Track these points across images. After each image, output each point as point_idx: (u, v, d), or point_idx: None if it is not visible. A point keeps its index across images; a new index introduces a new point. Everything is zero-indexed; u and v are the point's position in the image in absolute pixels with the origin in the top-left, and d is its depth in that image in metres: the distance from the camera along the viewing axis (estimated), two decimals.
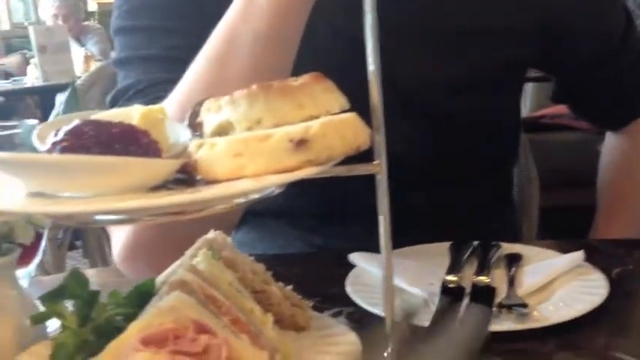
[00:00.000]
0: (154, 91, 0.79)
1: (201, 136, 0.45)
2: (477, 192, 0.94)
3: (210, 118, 0.44)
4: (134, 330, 0.41)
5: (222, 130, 0.44)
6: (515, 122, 1.03)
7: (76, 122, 0.39)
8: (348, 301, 0.64)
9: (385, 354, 0.47)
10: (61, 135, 0.38)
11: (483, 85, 0.88)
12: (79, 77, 3.23)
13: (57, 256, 1.43)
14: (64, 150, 0.37)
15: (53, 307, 0.46)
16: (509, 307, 0.60)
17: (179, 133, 0.46)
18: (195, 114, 0.46)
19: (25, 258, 0.58)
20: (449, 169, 0.90)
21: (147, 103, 0.47)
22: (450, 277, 0.66)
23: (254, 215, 0.90)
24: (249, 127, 0.42)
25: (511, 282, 0.66)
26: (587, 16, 0.91)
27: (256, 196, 0.41)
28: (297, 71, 0.48)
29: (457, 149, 0.89)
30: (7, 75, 4.74)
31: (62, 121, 0.42)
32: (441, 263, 0.71)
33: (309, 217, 0.89)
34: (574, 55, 0.93)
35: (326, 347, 0.48)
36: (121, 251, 0.72)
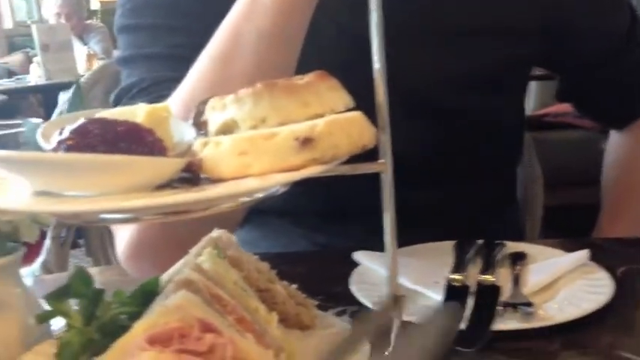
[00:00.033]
0: (158, 89, 0.79)
1: (205, 134, 0.45)
2: (481, 191, 0.93)
3: (214, 117, 0.44)
4: (140, 329, 0.41)
5: (227, 129, 0.44)
6: (519, 121, 1.03)
7: (81, 121, 0.39)
8: (352, 300, 0.64)
9: (386, 352, 0.47)
10: (66, 134, 0.38)
11: (485, 85, 0.88)
12: (82, 76, 3.24)
13: (60, 254, 1.43)
14: (69, 149, 0.37)
15: (58, 305, 0.46)
16: (514, 306, 0.60)
17: (183, 132, 0.46)
18: (199, 112, 0.46)
19: (29, 256, 0.58)
20: (452, 168, 0.89)
21: (150, 102, 0.47)
22: (455, 276, 0.66)
23: (257, 214, 0.90)
24: (254, 126, 0.42)
25: (516, 281, 0.66)
26: (588, 16, 0.90)
27: (261, 194, 0.41)
28: (301, 70, 0.48)
29: (460, 148, 0.89)
30: (10, 73, 4.74)
31: (67, 120, 0.42)
32: (445, 262, 0.70)
33: (313, 215, 0.89)
34: (576, 54, 0.93)
35: (332, 346, 0.48)
36: (125, 250, 0.72)
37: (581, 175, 1.72)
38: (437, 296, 0.62)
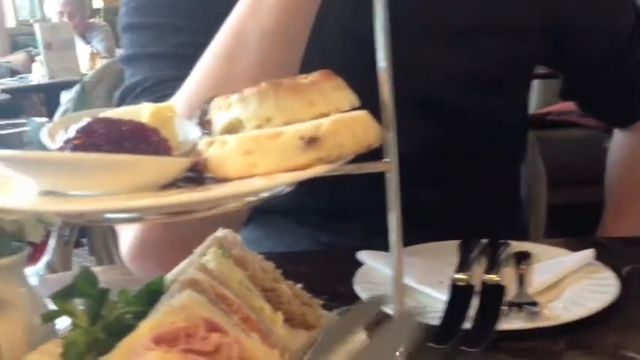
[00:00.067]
0: (162, 88, 0.79)
1: (210, 134, 0.45)
2: (484, 190, 0.93)
3: (219, 116, 0.44)
4: (145, 328, 0.41)
5: (232, 128, 0.43)
6: (522, 120, 1.02)
7: (86, 120, 0.39)
8: (356, 300, 0.64)
9: (397, 353, 0.47)
10: (72, 133, 0.38)
11: (486, 84, 0.87)
12: (85, 75, 3.24)
13: (63, 253, 1.44)
14: (75, 148, 0.37)
15: (63, 305, 0.46)
16: (519, 306, 0.60)
17: (188, 131, 0.45)
18: (204, 112, 0.46)
19: (34, 256, 0.58)
20: (454, 168, 0.89)
21: (154, 101, 0.47)
22: (460, 276, 0.65)
23: (261, 213, 0.90)
24: (259, 125, 0.42)
25: (520, 280, 0.66)
26: (588, 16, 0.90)
27: (267, 194, 0.41)
28: (305, 69, 0.48)
29: (462, 147, 0.89)
30: (12, 72, 4.75)
31: (72, 119, 0.42)
32: (449, 261, 0.70)
33: (317, 215, 0.89)
34: (578, 54, 0.93)
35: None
36: (129, 250, 0.72)
37: (584, 173, 1.72)
38: (442, 296, 0.62)
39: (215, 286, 0.45)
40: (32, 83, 4.08)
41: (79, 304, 0.47)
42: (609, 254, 0.72)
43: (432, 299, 0.63)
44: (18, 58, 5.28)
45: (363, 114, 0.42)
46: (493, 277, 0.65)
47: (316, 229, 0.91)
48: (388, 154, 0.44)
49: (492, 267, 0.68)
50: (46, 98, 4.26)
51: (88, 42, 4.60)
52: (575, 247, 0.73)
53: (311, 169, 0.39)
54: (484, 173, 0.93)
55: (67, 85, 3.32)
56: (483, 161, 0.91)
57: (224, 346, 0.40)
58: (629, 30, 0.93)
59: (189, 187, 0.40)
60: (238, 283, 0.48)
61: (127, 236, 0.73)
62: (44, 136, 0.43)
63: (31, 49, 5.12)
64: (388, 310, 0.59)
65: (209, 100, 0.46)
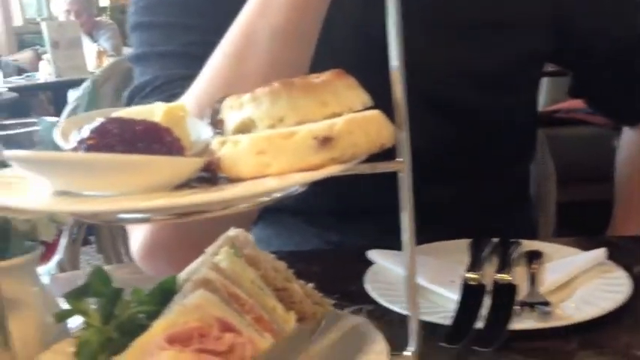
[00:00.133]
0: (171, 87, 0.79)
1: (222, 133, 0.45)
2: (495, 188, 0.93)
3: (231, 116, 0.44)
4: (159, 328, 0.41)
5: (244, 128, 0.43)
6: (532, 118, 1.02)
7: (100, 120, 0.39)
8: (367, 299, 0.64)
9: (409, 353, 0.47)
10: (85, 133, 0.38)
11: (498, 82, 0.87)
12: (92, 73, 3.25)
13: (71, 252, 1.44)
14: (89, 148, 0.37)
15: (77, 304, 0.46)
16: (532, 305, 0.59)
17: (200, 131, 0.46)
18: (216, 111, 0.46)
19: (46, 255, 0.58)
20: (466, 166, 0.89)
21: (164, 100, 0.47)
22: (471, 275, 0.65)
23: (271, 212, 0.90)
24: (272, 125, 0.42)
25: (532, 280, 0.66)
26: (588, 16, 0.90)
27: (280, 194, 0.41)
28: (315, 69, 0.48)
29: (475, 146, 0.89)
30: (20, 71, 4.77)
31: (84, 119, 0.42)
32: (460, 260, 0.70)
33: (327, 214, 0.89)
34: (582, 54, 0.92)
35: (351, 346, 0.48)
36: (139, 250, 0.73)
37: (593, 171, 1.71)
38: (453, 295, 0.62)
39: (228, 285, 0.45)
40: (39, 81, 4.10)
41: (91, 303, 0.47)
42: (620, 253, 0.71)
43: (443, 299, 0.63)
44: (25, 56, 5.30)
45: (376, 113, 0.42)
46: (505, 277, 0.65)
47: (326, 229, 0.90)
48: (401, 154, 0.44)
49: (504, 266, 0.68)
50: (54, 96, 4.28)
51: (94, 40, 4.61)
52: (586, 246, 0.73)
53: (324, 169, 0.39)
54: (495, 172, 0.92)
55: (75, 84, 3.32)
56: (494, 160, 0.91)
57: (237, 346, 0.40)
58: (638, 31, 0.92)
59: (203, 188, 0.40)
60: (250, 282, 0.48)
61: (138, 236, 0.73)
62: (57, 136, 0.44)
63: (38, 47, 5.14)
64: (401, 309, 0.59)
65: (221, 100, 0.46)
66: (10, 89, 3.76)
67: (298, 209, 0.89)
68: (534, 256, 0.71)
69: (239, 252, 0.50)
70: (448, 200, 0.85)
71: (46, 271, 0.61)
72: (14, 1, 6.85)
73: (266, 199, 0.40)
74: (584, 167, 2.11)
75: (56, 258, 0.62)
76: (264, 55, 0.68)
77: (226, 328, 0.41)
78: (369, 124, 0.41)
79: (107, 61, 3.60)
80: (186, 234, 0.68)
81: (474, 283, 0.64)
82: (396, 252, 0.69)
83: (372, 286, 0.65)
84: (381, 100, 0.43)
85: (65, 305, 0.48)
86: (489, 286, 0.64)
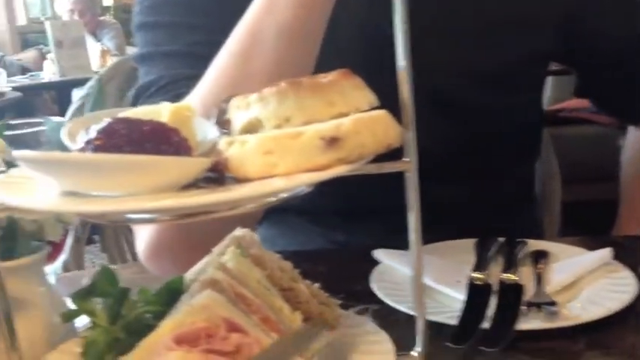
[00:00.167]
0: (176, 87, 0.79)
1: (229, 133, 0.45)
2: (501, 188, 0.93)
3: (238, 116, 0.44)
4: (166, 328, 0.41)
5: (251, 128, 0.43)
6: (538, 117, 1.02)
7: (107, 121, 0.39)
8: (372, 299, 0.64)
9: (415, 353, 0.47)
10: (93, 134, 0.38)
11: (506, 82, 0.87)
12: (96, 72, 3.25)
13: (76, 251, 1.44)
14: (96, 149, 0.37)
15: (83, 304, 0.46)
16: (538, 306, 0.59)
17: (206, 131, 0.45)
18: (222, 111, 0.46)
19: (52, 255, 0.58)
20: (473, 166, 0.89)
21: (169, 100, 0.47)
22: (477, 275, 0.65)
23: (275, 211, 0.90)
24: (279, 125, 0.42)
25: (538, 280, 0.66)
26: (600, 16, 0.90)
27: (286, 194, 0.40)
28: (321, 69, 0.48)
29: (481, 146, 0.88)
30: (24, 70, 4.77)
31: (91, 119, 0.42)
32: (466, 260, 0.70)
33: (332, 214, 0.89)
34: (590, 53, 0.92)
35: (358, 346, 0.48)
36: (145, 250, 0.73)
37: (597, 170, 1.71)
38: (460, 295, 0.62)
39: (235, 285, 0.45)
40: (43, 81, 4.10)
41: (97, 302, 0.47)
42: (626, 253, 0.71)
43: (449, 298, 0.63)
44: (29, 55, 5.30)
45: (383, 114, 0.42)
46: (511, 277, 0.65)
47: (331, 228, 0.90)
48: (407, 154, 0.44)
49: (510, 266, 0.68)
50: (58, 96, 4.28)
51: (98, 40, 4.62)
52: (591, 246, 0.73)
53: (331, 169, 0.39)
54: (501, 171, 0.92)
55: (79, 83, 3.32)
56: (500, 159, 0.91)
57: (245, 346, 0.40)
58: None
59: (210, 188, 0.40)
60: (257, 282, 0.48)
61: (143, 236, 0.73)
62: (64, 136, 0.44)
63: (42, 46, 5.15)
64: (407, 309, 0.59)
65: (227, 100, 0.46)
66: (14, 88, 3.76)
67: (303, 209, 0.89)
68: (540, 256, 0.71)
69: (245, 252, 0.50)
70: (454, 200, 0.85)
71: (52, 271, 0.62)
72: (18, 1, 6.86)
73: (273, 199, 0.40)
74: (588, 166, 2.11)
75: (62, 257, 0.62)
76: (270, 53, 0.68)
77: (233, 328, 0.41)
78: (376, 125, 0.41)
79: (111, 61, 3.61)
80: (192, 234, 0.68)
81: (480, 282, 0.64)
82: (402, 252, 0.69)
83: (378, 286, 0.65)
84: (387, 99, 0.43)
85: (72, 305, 0.48)
86: (495, 286, 0.63)
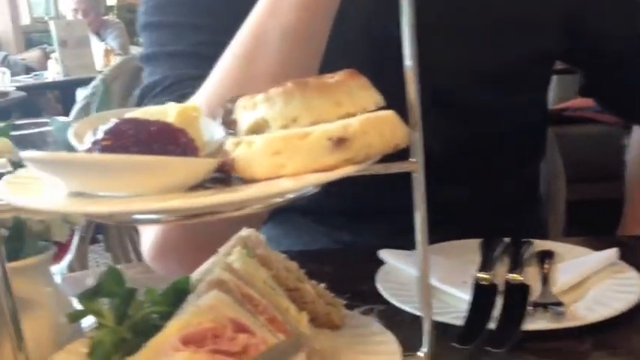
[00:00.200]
0: (181, 87, 0.79)
1: (235, 133, 0.45)
2: (506, 188, 0.93)
3: (245, 116, 0.44)
4: (173, 329, 0.41)
5: (258, 128, 0.43)
6: (543, 117, 1.02)
7: (115, 121, 0.39)
8: (378, 299, 0.64)
9: (422, 354, 0.47)
10: (100, 134, 0.38)
11: (511, 82, 0.87)
12: (100, 72, 3.25)
13: (80, 250, 1.45)
14: (104, 149, 0.37)
15: (90, 305, 0.46)
16: (545, 306, 0.59)
17: (212, 131, 0.45)
18: (228, 111, 0.46)
19: (58, 255, 0.58)
20: (478, 166, 0.89)
21: (174, 100, 0.47)
22: (483, 275, 0.65)
23: (280, 211, 0.90)
24: (285, 125, 0.42)
25: (544, 280, 0.65)
26: (600, 16, 0.90)
27: (293, 195, 0.40)
28: (327, 68, 0.48)
29: (487, 146, 0.88)
30: (28, 69, 4.78)
31: (98, 119, 0.42)
32: (472, 260, 0.70)
33: (338, 214, 0.88)
34: (593, 54, 0.92)
35: (364, 347, 0.48)
36: (150, 250, 0.73)
37: (602, 170, 1.70)
38: (466, 296, 0.61)
39: (241, 286, 0.45)
40: (47, 80, 4.11)
41: (104, 303, 0.47)
42: (631, 253, 0.71)
43: (455, 299, 0.62)
44: (33, 55, 5.31)
45: (390, 114, 0.42)
46: (517, 277, 0.65)
47: (336, 228, 0.90)
48: (414, 154, 0.44)
49: (516, 266, 0.68)
50: (62, 95, 4.29)
51: (102, 39, 4.63)
52: (597, 246, 0.73)
53: (339, 169, 0.39)
54: (506, 171, 0.92)
55: (82, 83, 3.33)
56: (506, 159, 0.91)
57: (251, 346, 0.40)
58: None
59: (217, 188, 0.40)
60: (263, 283, 0.48)
61: (149, 236, 0.73)
62: (71, 137, 0.44)
63: (45, 46, 5.16)
64: (412, 309, 0.59)
65: (232, 100, 0.46)
66: (18, 88, 3.77)
67: (308, 209, 0.89)
68: (546, 256, 0.71)
69: (252, 252, 0.50)
70: (459, 200, 0.85)
71: (58, 271, 0.62)
72: (22, 0, 6.87)
73: (280, 200, 0.40)
74: (593, 166, 2.10)
75: (68, 258, 0.62)
76: (275, 55, 0.68)
77: (240, 328, 0.41)
78: (383, 125, 0.41)
79: (114, 60, 3.61)
80: (197, 234, 0.68)
81: (485, 283, 0.64)
82: (407, 252, 0.69)
83: (383, 286, 0.65)
84: (393, 99, 0.43)
85: (78, 305, 0.48)
86: (501, 287, 0.63)
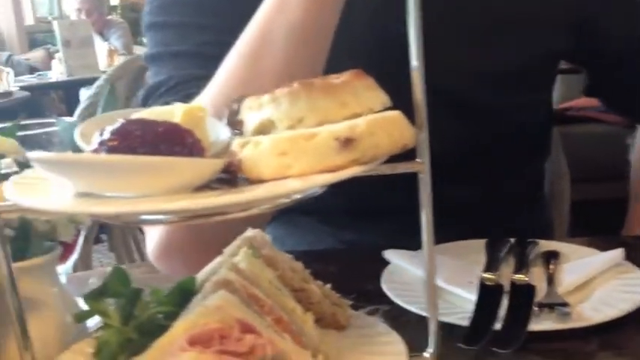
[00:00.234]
0: (186, 87, 0.79)
1: (240, 134, 0.44)
2: (511, 188, 0.93)
3: (251, 117, 0.44)
4: (180, 329, 0.41)
5: (264, 129, 0.43)
6: (548, 116, 1.02)
7: (121, 122, 0.39)
8: (383, 299, 0.64)
9: (428, 354, 0.47)
10: (107, 135, 0.38)
11: (515, 81, 0.87)
12: (103, 72, 3.26)
13: (84, 250, 1.45)
14: (111, 150, 0.37)
15: (96, 305, 0.46)
16: (551, 307, 0.59)
17: (218, 132, 0.45)
18: (234, 112, 0.46)
19: (64, 255, 0.58)
20: (483, 166, 0.89)
21: (179, 100, 0.47)
22: (488, 275, 0.65)
23: (284, 211, 0.90)
24: (291, 126, 0.42)
25: (550, 280, 0.65)
26: (611, 17, 0.89)
27: (300, 195, 0.40)
28: (334, 68, 0.48)
29: (491, 146, 0.88)
30: (31, 69, 4.78)
31: (105, 120, 0.42)
32: (477, 260, 0.70)
33: (343, 213, 0.88)
34: (600, 54, 0.92)
35: (370, 347, 0.48)
36: (154, 250, 0.73)
37: (606, 169, 1.70)
38: (471, 296, 0.61)
39: (247, 286, 0.45)
40: (51, 80, 4.11)
41: (110, 303, 0.47)
42: (637, 254, 0.71)
43: (461, 299, 0.62)
44: (37, 55, 5.32)
45: (397, 114, 0.42)
46: (522, 277, 0.64)
47: (341, 228, 0.90)
48: (420, 155, 0.44)
49: (521, 267, 0.67)
50: (65, 95, 4.29)
51: (105, 39, 4.63)
52: (602, 247, 0.72)
53: (346, 170, 0.39)
54: (511, 171, 0.92)
55: (86, 82, 3.34)
56: (510, 159, 0.91)
57: (258, 347, 0.40)
58: None
59: (223, 189, 0.40)
60: (269, 283, 0.48)
61: (154, 236, 0.73)
62: (77, 137, 0.44)
63: (49, 46, 5.16)
64: (418, 310, 0.59)
65: (239, 100, 0.46)
66: (22, 88, 3.77)
67: (312, 208, 0.89)
68: (551, 257, 0.71)
69: (257, 253, 0.50)
70: (464, 200, 0.85)
71: (63, 271, 0.62)
72: (26, 0, 6.88)
73: (286, 200, 0.40)
74: (597, 165, 2.10)
75: (74, 258, 0.62)
76: (280, 53, 0.68)
77: (247, 329, 0.41)
78: (390, 125, 0.41)
79: (118, 60, 3.62)
80: (202, 235, 0.68)
81: (491, 283, 0.64)
82: (412, 252, 0.69)
83: (388, 287, 0.65)
84: (399, 100, 0.43)
85: (84, 305, 0.48)
86: (507, 287, 0.63)
